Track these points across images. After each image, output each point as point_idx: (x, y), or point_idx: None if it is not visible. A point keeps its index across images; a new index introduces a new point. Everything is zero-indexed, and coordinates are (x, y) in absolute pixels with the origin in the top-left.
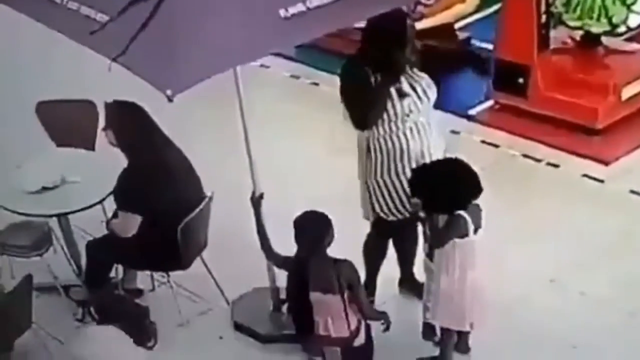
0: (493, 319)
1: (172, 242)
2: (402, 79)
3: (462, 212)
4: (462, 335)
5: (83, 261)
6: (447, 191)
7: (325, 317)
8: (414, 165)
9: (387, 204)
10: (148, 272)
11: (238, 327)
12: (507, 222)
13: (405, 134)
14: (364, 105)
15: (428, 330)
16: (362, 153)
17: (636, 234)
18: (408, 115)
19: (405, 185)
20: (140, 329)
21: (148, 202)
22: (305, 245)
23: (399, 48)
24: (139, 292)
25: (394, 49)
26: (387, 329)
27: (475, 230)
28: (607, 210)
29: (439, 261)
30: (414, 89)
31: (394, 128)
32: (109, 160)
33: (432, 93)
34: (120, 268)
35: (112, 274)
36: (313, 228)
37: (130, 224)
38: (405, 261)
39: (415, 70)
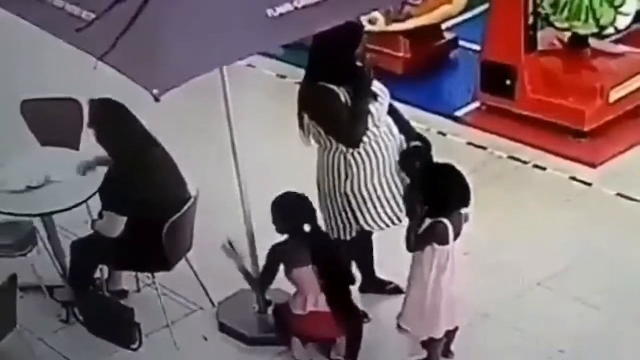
0: (479, 324)
1: (158, 242)
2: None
3: (444, 219)
4: (449, 338)
5: (68, 261)
6: (439, 196)
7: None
8: (394, 170)
9: (372, 216)
10: (133, 273)
11: (223, 328)
12: (493, 225)
13: (382, 138)
14: (352, 124)
15: None
16: (333, 170)
17: (623, 238)
18: (380, 120)
19: (388, 192)
20: (125, 331)
21: (132, 202)
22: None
23: (362, 58)
24: (124, 294)
25: (357, 60)
26: None
27: (456, 237)
28: (595, 214)
29: (414, 266)
30: (377, 88)
31: (371, 135)
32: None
33: (386, 92)
34: (105, 269)
35: (97, 274)
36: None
37: (116, 225)
38: (366, 265)
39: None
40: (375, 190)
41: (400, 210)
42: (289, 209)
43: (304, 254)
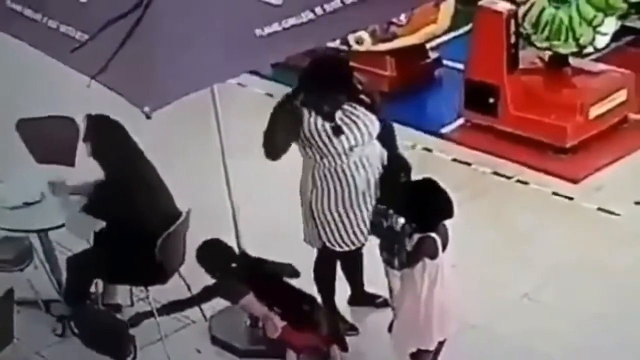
0: (466, 335)
1: (151, 256)
2: (340, 115)
3: (432, 234)
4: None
5: (63, 276)
6: (424, 211)
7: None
8: (360, 199)
9: (334, 236)
10: (127, 287)
11: (216, 341)
12: (478, 239)
13: (350, 168)
14: (266, 136)
15: None
16: (306, 183)
17: (605, 251)
18: (351, 150)
19: (353, 218)
20: (120, 344)
21: (126, 215)
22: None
23: (330, 93)
24: (118, 307)
25: (327, 92)
26: None
27: (443, 248)
28: (577, 228)
29: (404, 282)
30: (355, 123)
31: (337, 162)
32: (90, 176)
33: (374, 127)
34: (100, 283)
35: (92, 289)
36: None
37: (89, 226)
38: (355, 279)
39: (356, 105)
40: (339, 215)
41: (363, 235)
42: (213, 254)
43: (238, 287)
